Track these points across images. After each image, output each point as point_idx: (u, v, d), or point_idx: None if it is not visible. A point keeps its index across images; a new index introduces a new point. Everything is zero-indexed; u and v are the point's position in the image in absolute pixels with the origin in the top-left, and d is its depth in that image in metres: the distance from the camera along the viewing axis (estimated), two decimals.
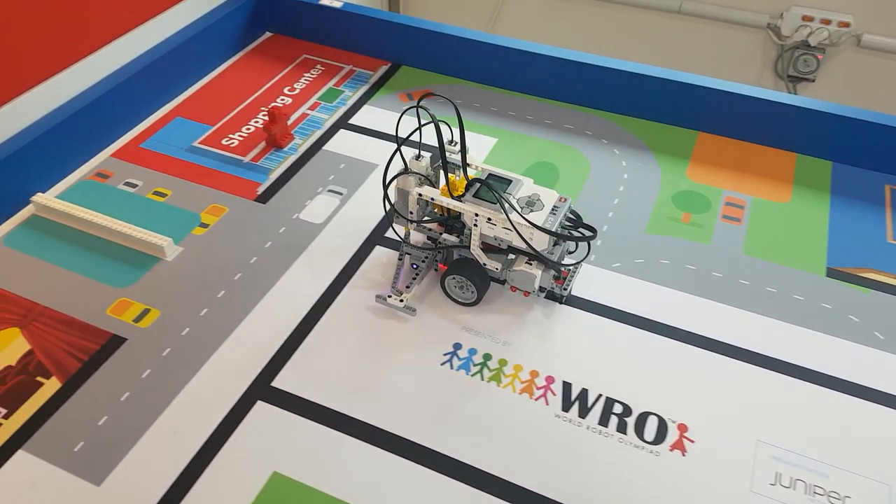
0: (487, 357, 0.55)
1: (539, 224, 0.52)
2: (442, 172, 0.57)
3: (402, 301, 0.57)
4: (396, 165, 0.56)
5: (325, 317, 0.58)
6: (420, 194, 0.54)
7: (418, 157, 0.55)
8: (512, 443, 0.49)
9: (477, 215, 0.53)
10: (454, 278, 0.57)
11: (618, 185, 0.71)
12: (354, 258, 0.63)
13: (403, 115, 0.55)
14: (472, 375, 0.54)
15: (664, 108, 0.78)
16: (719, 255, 0.64)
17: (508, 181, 0.55)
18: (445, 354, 0.55)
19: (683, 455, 0.49)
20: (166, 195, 0.69)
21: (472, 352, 0.55)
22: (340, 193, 0.70)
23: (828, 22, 1.26)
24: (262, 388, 0.53)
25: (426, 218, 0.57)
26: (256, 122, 0.79)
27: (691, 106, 0.77)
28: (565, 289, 0.58)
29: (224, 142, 0.76)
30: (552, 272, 0.55)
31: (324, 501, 0.46)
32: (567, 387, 0.53)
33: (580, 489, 0.47)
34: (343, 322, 0.57)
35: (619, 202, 0.69)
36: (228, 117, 0.80)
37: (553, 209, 0.53)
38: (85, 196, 0.68)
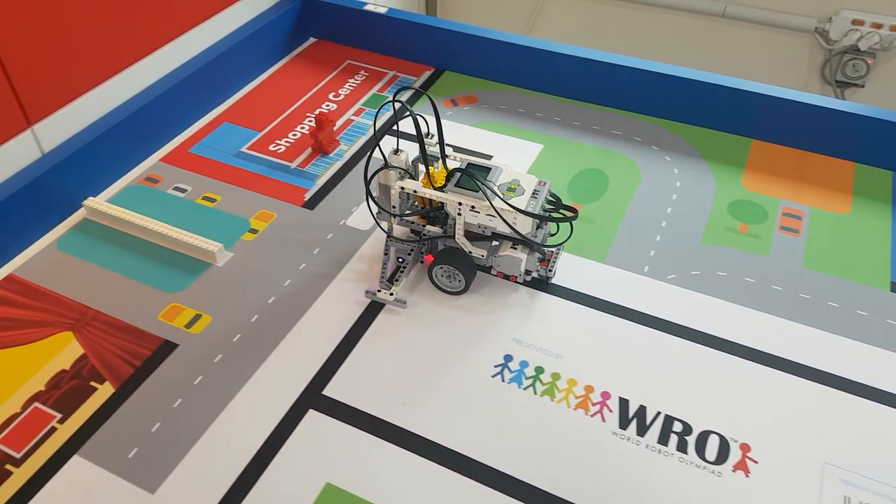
0: (539, 370, 0.54)
1: (521, 208, 0.52)
2: (421, 165, 0.58)
3: (391, 294, 0.58)
4: (376, 163, 0.59)
5: (375, 323, 0.57)
6: (402, 187, 0.55)
7: (397, 151, 0.56)
8: (568, 460, 0.48)
9: (460, 204, 0.54)
10: (441, 268, 0.58)
11: (670, 193, 0.70)
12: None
13: (381, 110, 0.57)
14: (525, 389, 0.53)
15: (717, 114, 0.77)
16: (778, 267, 0.62)
17: (488, 169, 0.55)
18: (496, 367, 0.54)
19: (747, 476, 0.47)
20: (215, 200, 0.69)
21: (524, 364, 0.54)
22: None
23: (879, 26, 1.23)
24: (314, 397, 0.52)
25: (408, 211, 0.58)
26: (302, 127, 0.79)
27: (745, 112, 0.75)
28: (550, 270, 0.59)
29: (271, 147, 0.76)
30: (537, 255, 0.56)
31: None
32: (624, 403, 0.51)
33: None
34: (393, 329, 0.57)
35: (672, 211, 0.68)
36: (275, 123, 0.80)
37: (534, 193, 0.54)
38: (135, 200, 0.69)
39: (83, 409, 0.51)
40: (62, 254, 0.64)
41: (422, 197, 0.57)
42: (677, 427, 0.50)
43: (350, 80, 0.87)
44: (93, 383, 0.53)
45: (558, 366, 0.54)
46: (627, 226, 0.66)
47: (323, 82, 0.86)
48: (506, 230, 0.54)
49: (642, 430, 0.50)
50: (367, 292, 0.58)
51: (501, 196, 0.53)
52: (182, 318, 0.58)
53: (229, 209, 0.68)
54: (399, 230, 0.62)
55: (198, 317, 0.58)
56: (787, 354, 0.55)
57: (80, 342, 0.56)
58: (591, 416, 0.51)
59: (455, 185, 0.54)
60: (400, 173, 0.56)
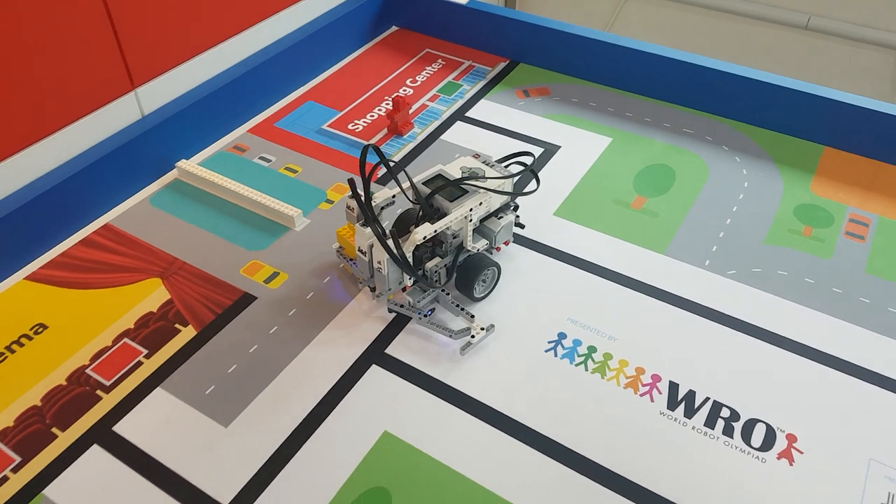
0: (592, 349, 0.56)
1: (511, 172, 0.57)
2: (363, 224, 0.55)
3: (482, 328, 0.55)
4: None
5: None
6: (423, 236, 0.53)
7: (364, 222, 0.54)
8: (613, 432, 0.50)
9: (472, 210, 0.55)
10: (481, 284, 0.58)
11: (737, 192, 0.70)
12: None
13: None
14: (576, 365, 0.55)
15: (790, 119, 0.76)
16: (840, 271, 0.62)
17: (437, 175, 0.57)
18: (550, 342, 0.56)
19: (791, 465, 0.48)
20: (296, 171, 0.74)
21: (577, 342, 0.56)
22: None
23: None
24: (378, 354, 0.56)
25: (419, 269, 0.56)
26: (380, 109, 0.83)
27: (819, 119, 0.75)
28: (518, 215, 0.62)
29: (350, 126, 0.80)
30: (515, 211, 0.60)
31: (428, 462, 0.48)
32: (674, 387, 0.53)
33: (680, 484, 0.47)
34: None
35: (737, 210, 0.68)
36: (355, 104, 0.84)
37: (486, 163, 0.59)
38: (223, 166, 0.74)
39: (167, 347, 0.56)
40: (154, 209, 0.69)
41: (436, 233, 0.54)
42: (725, 413, 0.51)
43: (427, 68, 0.90)
44: (177, 325, 0.58)
45: (610, 347, 0.56)
46: (691, 221, 0.67)
47: (401, 68, 0.90)
48: (497, 205, 0.58)
49: (690, 412, 0.51)
50: (462, 350, 0.55)
51: (483, 177, 0.56)
52: (261, 274, 0.62)
53: (308, 180, 0.73)
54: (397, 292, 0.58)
55: (276, 274, 0.62)
56: (841, 353, 0.55)
57: (167, 288, 0.61)
58: (640, 395, 0.52)
59: (451, 202, 0.55)
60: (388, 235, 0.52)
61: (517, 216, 0.61)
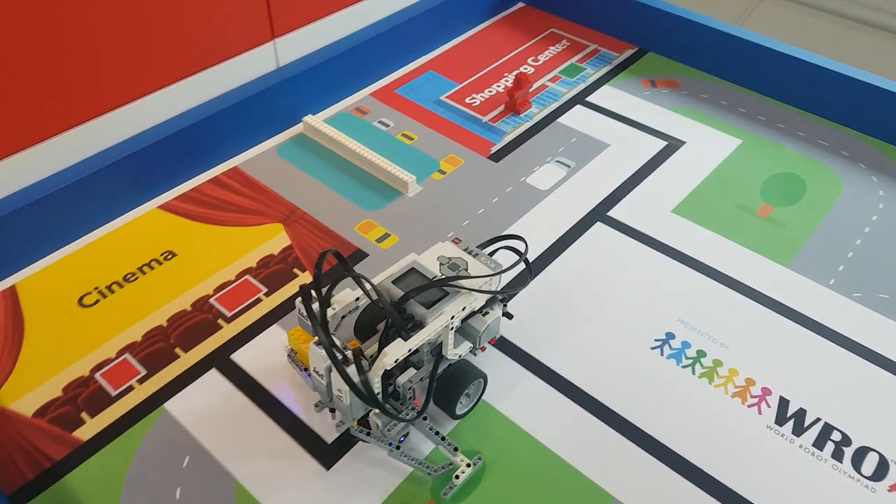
0: (701, 353, 0.54)
1: (487, 270, 0.47)
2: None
3: (468, 465, 0.46)
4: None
5: (543, 275, 0.60)
6: (395, 360, 0.43)
7: (317, 341, 0.44)
8: (714, 438, 0.49)
9: (453, 317, 0.45)
10: (464, 398, 0.49)
11: (871, 213, 0.66)
12: (574, 229, 0.65)
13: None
14: (683, 367, 0.53)
15: None
16: None
17: (413, 270, 0.47)
18: (657, 340, 0.55)
19: None
20: (413, 139, 0.75)
21: (686, 345, 0.55)
22: (568, 166, 0.72)
23: None
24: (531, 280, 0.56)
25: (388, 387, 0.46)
26: (498, 86, 0.83)
27: None
28: (506, 305, 0.51)
29: (467, 100, 0.81)
30: (504, 302, 0.50)
31: (519, 434, 0.49)
32: (784, 403, 0.51)
33: (782, 500, 0.46)
34: (558, 284, 0.59)
35: (869, 231, 0.65)
36: (474, 78, 0.84)
37: (471, 253, 0.49)
38: (345, 125, 0.76)
39: (285, 289, 0.59)
40: (280, 158, 0.72)
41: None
42: (836, 436, 0.49)
43: (551, 48, 0.89)
44: (295, 270, 0.60)
45: (721, 354, 0.54)
46: (819, 236, 0.64)
47: (524, 46, 0.90)
48: (481, 303, 0.48)
49: (798, 430, 0.49)
50: (444, 494, 0.45)
51: (467, 276, 0.47)
52: (374, 233, 0.64)
53: (423, 149, 0.74)
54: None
55: (387, 235, 0.64)
56: None
57: (288, 234, 0.64)
58: (748, 406, 0.51)
59: (429, 309, 0.44)
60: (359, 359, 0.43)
61: (504, 307, 0.51)
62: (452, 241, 0.50)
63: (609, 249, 0.63)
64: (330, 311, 0.45)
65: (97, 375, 0.52)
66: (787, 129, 0.76)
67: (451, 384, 0.47)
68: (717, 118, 0.78)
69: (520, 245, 0.55)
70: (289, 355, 0.50)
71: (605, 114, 0.79)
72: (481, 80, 0.84)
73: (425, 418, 0.47)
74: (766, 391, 0.52)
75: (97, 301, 0.57)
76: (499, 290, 0.48)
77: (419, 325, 0.45)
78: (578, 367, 0.53)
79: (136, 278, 0.59)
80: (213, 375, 0.52)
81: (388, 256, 0.62)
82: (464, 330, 0.48)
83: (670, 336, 0.56)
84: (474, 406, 0.50)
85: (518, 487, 0.46)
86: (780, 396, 0.51)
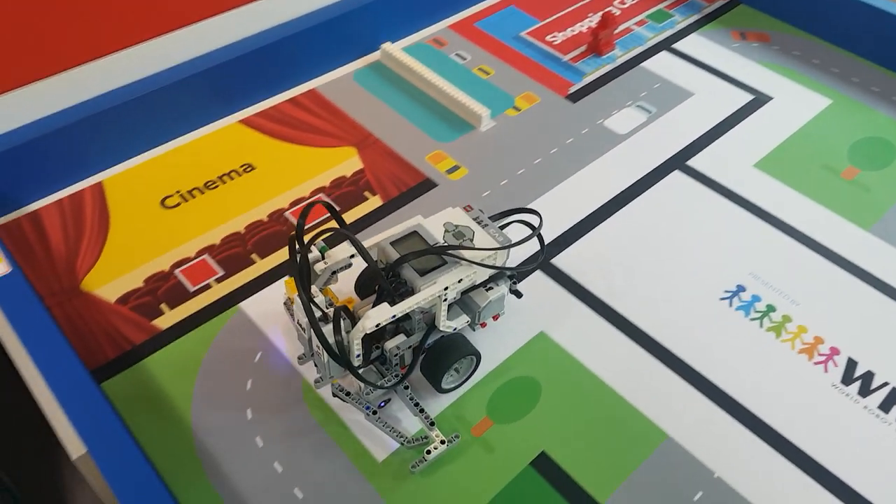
0: (771, 308, 0.53)
1: (493, 244, 0.44)
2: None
3: (442, 441, 0.44)
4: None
5: (613, 218, 0.60)
6: (377, 325, 0.41)
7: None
8: (778, 392, 0.48)
9: (446, 288, 0.42)
10: (452, 373, 0.47)
11: None
12: (650, 175, 0.64)
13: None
14: (751, 320, 0.53)
15: None
16: None
17: (412, 234, 0.45)
18: (727, 291, 0.54)
19: None
20: (489, 74, 0.74)
21: (756, 298, 0.54)
22: (649, 111, 0.70)
23: None
24: (545, 265, 0.56)
25: (373, 351, 0.44)
26: (581, 26, 0.81)
27: None
28: (516, 283, 0.49)
29: (548, 38, 0.79)
30: (513, 279, 0.48)
31: (579, 369, 0.49)
32: (852, 364, 0.50)
33: (843, 457, 0.45)
34: (627, 228, 0.59)
35: None
36: (557, 16, 0.82)
37: (480, 223, 0.46)
38: (421, 55, 0.76)
39: (355, 210, 0.60)
40: (356, 84, 0.72)
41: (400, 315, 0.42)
42: None
43: None
44: (366, 193, 0.61)
45: (791, 310, 0.53)
46: None
47: None
48: (484, 277, 0.45)
49: (865, 392, 0.48)
50: (412, 467, 0.44)
51: (469, 248, 0.43)
52: (444, 164, 0.64)
53: (499, 84, 0.73)
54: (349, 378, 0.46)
55: (457, 167, 0.64)
56: None
57: (360, 158, 0.64)
58: (814, 363, 0.50)
59: (422, 276, 0.42)
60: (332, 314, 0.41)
61: (513, 283, 0.48)
62: (463, 208, 0.47)
63: (685, 198, 0.62)
64: (321, 266, 0.44)
65: (177, 272, 0.54)
66: (881, 92, 0.72)
67: (440, 356, 0.45)
68: (808, 76, 0.74)
69: (535, 221, 0.50)
70: (285, 303, 0.48)
71: (691, 62, 0.76)
72: (564, 19, 0.82)
73: (406, 387, 0.45)
74: (835, 350, 0.50)
75: (178, 204, 0.59)
76: (504, 266, 0.45)
77: (410, 292, 0.42)
78: (644, 309, 0.53)
79: (217, 186, 0.61)
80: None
81: (457, 188, 0.62)
82: (464, 303, 0.46)
83: (741, 288, 0.55)
84: (464, 382, 0.48)
85: (571, 414, 0.47)
86: (849, 357, 0.50)
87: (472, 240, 0.45)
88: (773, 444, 0.46)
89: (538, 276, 0.55)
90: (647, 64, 0.76)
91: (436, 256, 0.43)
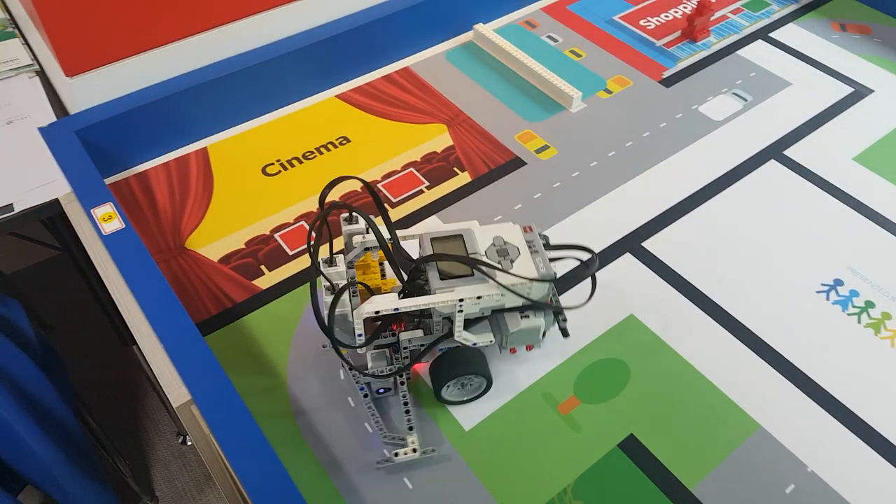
0: (870, 304, 0.52)
1: (533, 273, 0.41)
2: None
3: (414, 450, 0.43)
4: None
5: (707, 204, 0.59)
6: (376, 311, 0.41)
7: (330, 261, 0.43)
8: (873, 389, 0.47)
9: (461, 300, 0.41)
10: (454, 384, 0.45)
11: None
12: (746, 164, 0.62)
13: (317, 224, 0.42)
14: (849, 315, 0.51)
15: None
16: None
17: (458, 236, 0.43)
18: (824, 285, 0.53)
19: None
20: (581, 56, 0.74)
21: (854, 293, 0.52)
22: (745, 99, 0.68)
23: None
24: (633, 245, 0.56)
25: (380, 336, 0.44)
26: (676, 11, 0.79)
27: None
28: (564, 320, 0.44)
29: (642, 22, 0.78)
30: (560, 316, 0.44)
31: (667, 352, 0.49)
32: None
33: None
34: (721, 215, 0.58)
35: None
36: (650, 1, 0.81)
37: (530, 247, 0.43)
38: (513, 37, 0.76)
39: (445, 185, 0.61)
40: (448, 63, 0.73)
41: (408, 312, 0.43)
42: None
43: None
44: (455, 169, 0.62)
45: (891, 307, 0.51)
46: None
47: None
48: (516, 303, 0.42)
49: None
50: (377, 464, 0.44)
51: (502, 268, 0.41)
52: (533, 144, 0.65)
53: (591, 67, 0.73)
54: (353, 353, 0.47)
55: (546, 147, 0.64)
56: None
57: (451, 135, 0.65)
58: None
59: (441, 280, 0.41)
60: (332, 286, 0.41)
61: (562, 320, 0.44)
62: (523, 227, 0.45)
63: (781, 188, 0.60)
64: (358, 239, 0.44)
65: (276, 236, 0.57)
66: None
67: (447, 364, 0.44)
68: None
69: (587, 257, 0.46)
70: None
71: (788, 52, 0.74)
72: (658, 4, 0.81)
73: (403, 382, 0.45)
74: None
75: (279, 172, 0.62)
76: (538, 300, 0.42)
77: (427, 291, 0.41)
78: (737, 298, 0.52)
79: (314, 157, 0.63)
80: None
81: (545, 167, 0.62)
82: (496, 322, 0.44)
83: (838, 283, 0.53)
84: (468, 401, 0.46)
85: (660, 399, 0.47)
86: None
87: (513, 261, 0.42)
88: (869, 441, 0.45)
89: (628, 259, 0.55)
90: (743, 52, 0.74)
91: (466, 266, 0.42)
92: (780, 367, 0.48)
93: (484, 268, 0.41)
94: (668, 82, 0.71)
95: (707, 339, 0.50)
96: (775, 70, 0.72)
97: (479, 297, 0.41)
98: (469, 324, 0.44)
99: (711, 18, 0.78)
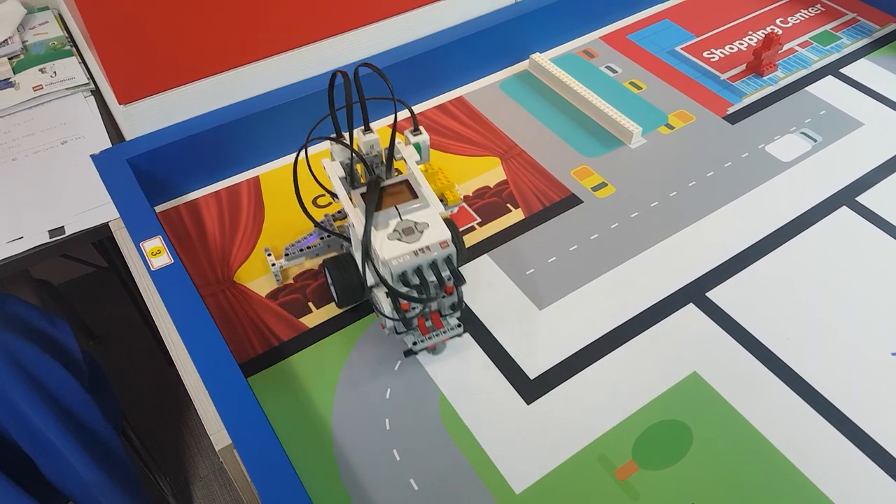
0: None
1: (388, 252, 0.43)
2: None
3: (416, 342, 0.47)
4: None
5: (774, 253, 0.56)
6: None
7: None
8: None
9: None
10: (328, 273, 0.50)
11: None
12: (816, 210, 0.59)
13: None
14: None
15: None
16: None
17: (414, 195, 0.46)
18: None
19: None
20: (641, 88, 0.71)
21: None
22: (814, 140, 0.65)
23: None
24: (697, 295, 0.53)
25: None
26: (741, 43, 0.76)
27: None
28: (422, 340, 0.47)
29: (705, 54, 0.75)
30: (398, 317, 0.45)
31: (732, 415, 0.46)
32: None
33: None
34: (789, 265, 0.55)
35: None
36: (714, 32, 0.78)
37: (422, 249, 0.43)
38: (570, 67, 0.74)
39: (497, 222, 0.59)
40: (502, 93, 0.71)
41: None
42: None
43: (803, 11, 0.80)
44: (508, 205, 0.60)
45: None
46: None
47: (774, 5, 0.81)
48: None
49: None
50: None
51: (370, 223, 0.44)
52: (590, 180, 0.62)
53: (652, 100, 0.70)
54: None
55: (604, 184, 0.62)
56: None
57: (504, 169, 0.63)
58: None
59: (361, 194, 0.46)
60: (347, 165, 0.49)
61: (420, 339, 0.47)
62: (442, 241, 0.45)
63: (854, 237, 0.57)
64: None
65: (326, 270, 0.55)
66: None
67: (333, 261, 0.50)
68: None
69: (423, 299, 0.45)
70: None
71: (860, 89, 0.70)
72: (722, 35, 0.78)
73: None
74: None
75: (329, 204, 0.61)
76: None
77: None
78: (806, 358, 0.49)
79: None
80: None
81: (602, 206, 0.60)
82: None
83: None
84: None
85: (725, 467, 0.44)
86: None
87: (399, 237, 0.44)
88: None
89: (691, 310, 0.52)
90: (812, 88, 0.70)
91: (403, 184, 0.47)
92: (854, 437, 0.45)
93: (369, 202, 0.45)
94: (733, 119, 0.68)
95: (774, 401, 0.47)
96: (846, 109, 0.68)
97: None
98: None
99: (779, 52, 0.75)
